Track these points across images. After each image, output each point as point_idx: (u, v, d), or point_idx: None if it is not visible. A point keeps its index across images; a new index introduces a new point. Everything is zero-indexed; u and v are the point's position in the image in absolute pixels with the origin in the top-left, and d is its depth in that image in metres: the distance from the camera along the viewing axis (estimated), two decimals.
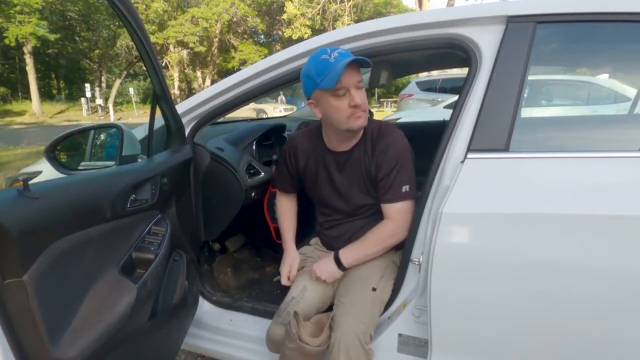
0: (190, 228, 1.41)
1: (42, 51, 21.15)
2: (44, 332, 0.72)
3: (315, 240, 1.42)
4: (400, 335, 1.15)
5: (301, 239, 1.45)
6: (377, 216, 1.23)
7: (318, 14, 19.28)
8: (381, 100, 22.18)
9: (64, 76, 28.52)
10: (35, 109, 19.66)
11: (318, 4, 18.90)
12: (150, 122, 1.26)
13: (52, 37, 19.28)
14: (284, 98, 16.52)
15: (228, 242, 1.96)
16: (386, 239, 1.20)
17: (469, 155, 1.00)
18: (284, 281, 1.31)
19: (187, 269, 1.27)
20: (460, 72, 6.38)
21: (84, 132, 1.36)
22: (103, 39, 23.20)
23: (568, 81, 2.15)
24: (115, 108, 21.91)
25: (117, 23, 19.20)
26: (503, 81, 1.01)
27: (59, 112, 21.33)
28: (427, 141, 1.32)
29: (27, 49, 18.69)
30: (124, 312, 0.90)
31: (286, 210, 1.43)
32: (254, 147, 1.82)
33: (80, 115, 20.45)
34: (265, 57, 1.45)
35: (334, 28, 17.38)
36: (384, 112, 15.61)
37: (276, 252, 1.93)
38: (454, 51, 1.13)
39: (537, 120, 1.38)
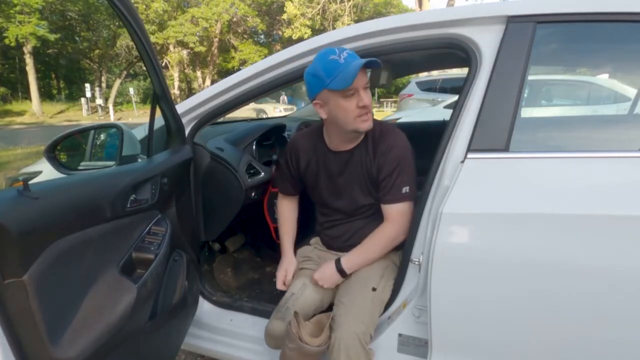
0: (190, 228, 1.41)
1: (42, 51, 21.16)
2: (44, 332, 0.72)
3: (315, 240, 1.42)
4: (400, 335, 1.15)
5: (301, 239, 1.45)
6: (377, 216, 1.23)
7: (318, 14, 19.28)
8: (381, 100, 22.19)
9: (64, 76, 28.53)
10: (35, 109, 19.66)
11: (318, 4, 18.90)
12: (150, 122, 1.26)
13: (52, 37, 19.30)
14: (285, 98, 16.44)
15: (228, 242, 1.96)
16: (388, 243, 1.20)
17: (469, 155, 1.00)
18: (279, 285, 1.32)
19: (187, 269, 1.27)
20: (460, 72, 6.38)
21: (84, 132, 1.36)
22: (103, 39, 23.21)
23: (568, 81, 2.15)
24: (115, 108, 21.92)
25: (117, 23, 19.20)
26: (503, 81, 1.01)
27: (59, 112, 21.34)
28: (427, 141, 1.32)
29: (27, 49, 18.70)
30: (124, 312, 0.90)
31: (287, 213, 1.43)
32: (254, 147, 1.82)
33: (80, 115, 20.45)
34: (265, 57, 1.45)
35: (334, 28, 17.38)
36: (384, 112, 15.61)
37: (276, 252, 1.93)
38: (454, 51, 1.13)
39: (537, 120, 1.38)
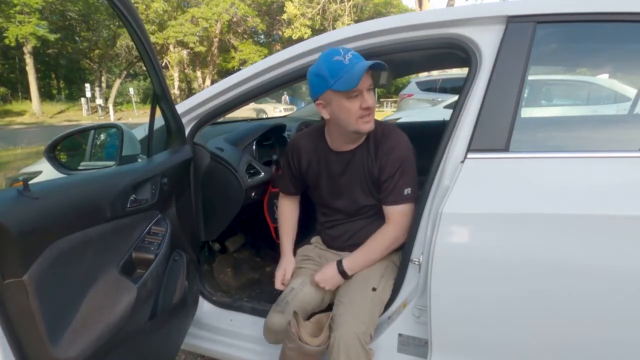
0: (190, 228, 1.41)
1: (42, 51, 21.16)
2: (44, 332, 0.72)
3: (316, 239, 1.42)
4: (400, 335, 1.15)
5: (301, 239, 1.45)
6: (378, 217, 1.23)
7: (318, 14, 19.28)
8: (381, 100, 22.17)
9: (64, 76, 28.53)
10: (35, 109, 19.66)
11: (318, 4, 18.90)
12: (150, 122, 1.26)
13: (52, 37, 19.30)
14: (287, 98, 16.35)
15: (228, 242, 1.96)
16: (390, 244, 1.20)
17: (469, 155, 1.00)
18: (278, 285, 1.32)
19: (187, 269, 1.27)
20: (460, 72, 6.38)
21: (84, 132, 1.37)
22: (103, 39, 23.21)
23: (568, 81, 2.15)
24: (115, 108, 21.92)
25: (117, 23, 19.20)
26: (503, 81, 1.01)
27: (59, 112, 21.34)
28: (427, 141, 1.32)
29: (27, 49, 18.69)
30: (124, 312, 0.90)
31: (288, 213, 1.43)
32: (254, 147, 1.82)
33: (80, 115, 20.45)
34: (265, 57, 1.45)
35: (334, 28, 17.38)
36: (384, 112, 15.60)
37: (276, 252, 1.93)
38: (454, 51, 1.13)
39: (537, 120, 1.38)
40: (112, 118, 19.01)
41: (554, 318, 0.93)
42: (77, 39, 23.32)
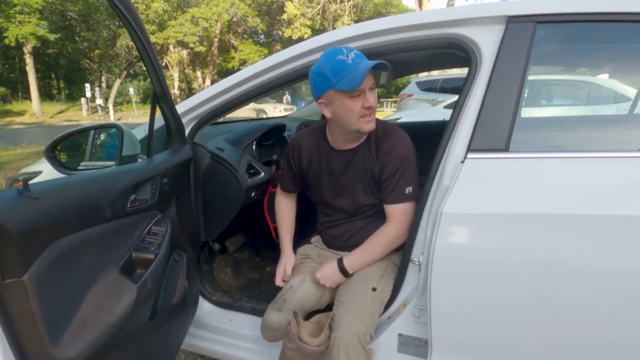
0: (190, 228, 1.41)
1: (42, 51, 21.16)
2: (44, 332, 0.72)
3: (316, 238, 1.42)
4: (400, 335, 1.15)
5: (301, 238, 1.45)
6: (378, 216, 1.23)
7: (318, 14, 19.28)
8: (381, 100, 22.15)
9: (64, 76, 28.53)
10: (35, 109, 19.66)
11: (318, 4, 18.90)
12: (150, 122, 1.26)
13: (52, 37, 19.29)
14: (289, 98, 16.29)
15: (228, 242, 1.96)
16: (390, 243, 1.20)
17: (469, 155, 1.00)
18: (279, 282, 1.33)
19: (187, 269, 1.27)
20: (460, 72, 6.38)
21: (84, 132, 1.37)
22: (103, 39, 23.21)
23: (568, 81, 2.15)
24: (115, 108, 21.92)
25: (117, 23, 19.20)
26: (503, 81, 1.01)
27: (59, 112, 21.34)
28: (427, 141, 1.32)
29: (27, 49, 18.70)
30: (124, 312, 0.90)
31: (285, 210, 1.43)
32: (254, 147, 1.82)
33: (80, 115, 20.45)
34: (265, 57, 1.45)
35: (334, 28, 17.38)
36: (384, 112, 15.60)
37: (276, 251, 1.93)
38: (454, 51, 1.13)
39: (537, 120, 1.38)
40: (112, 118, 19.01)
41: (553, 318, 0.93)
42: (77, 39, 23.32)
